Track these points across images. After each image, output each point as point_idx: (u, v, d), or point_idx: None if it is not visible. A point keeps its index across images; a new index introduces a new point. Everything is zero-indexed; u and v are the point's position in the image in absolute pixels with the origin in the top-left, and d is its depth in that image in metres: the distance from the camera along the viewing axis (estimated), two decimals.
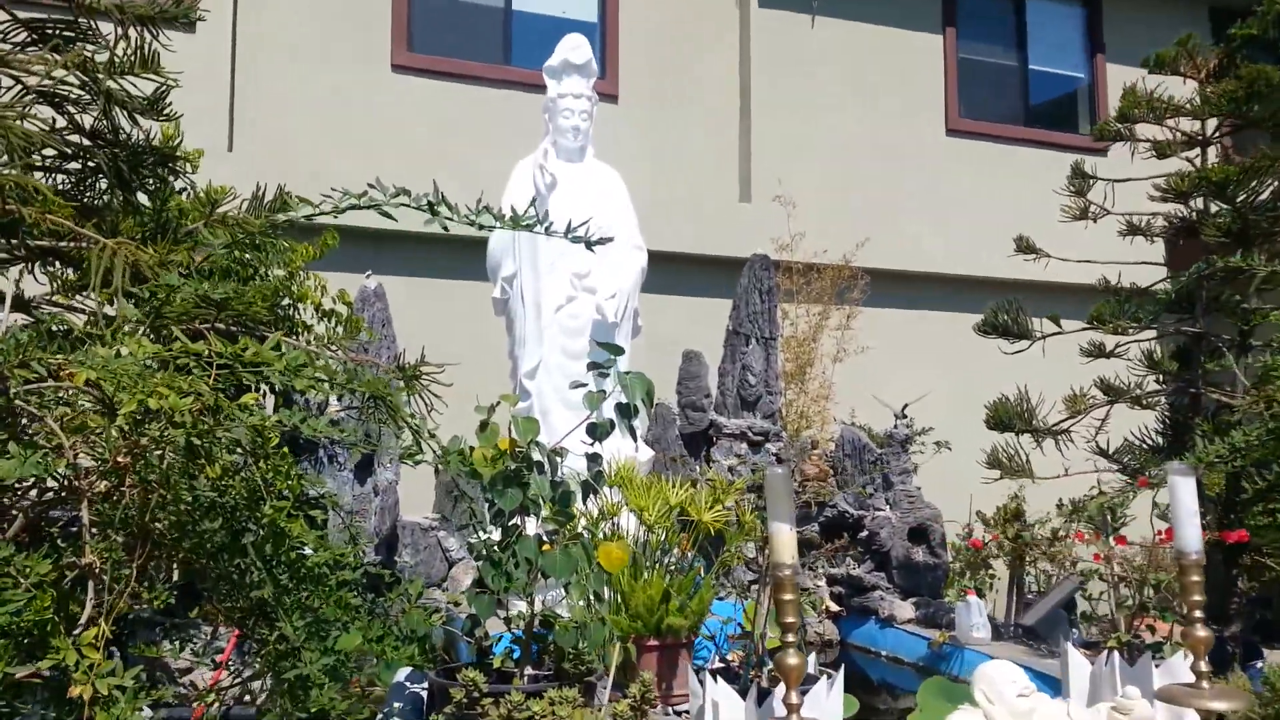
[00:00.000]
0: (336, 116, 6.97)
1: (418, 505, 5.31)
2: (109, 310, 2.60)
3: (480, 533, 2.78)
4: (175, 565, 2.70)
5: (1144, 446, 4.81)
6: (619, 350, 2.88)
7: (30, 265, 3.00)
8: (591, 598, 2.62)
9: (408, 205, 2.18)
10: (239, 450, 2.26)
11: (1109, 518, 4.32)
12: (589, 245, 2.47)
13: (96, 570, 1.93)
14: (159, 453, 2.07)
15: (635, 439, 2.92)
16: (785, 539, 1.90)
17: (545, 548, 2.55)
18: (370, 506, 5.03)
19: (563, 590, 2.66)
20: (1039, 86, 9.00)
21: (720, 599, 4.71)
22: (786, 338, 6.75)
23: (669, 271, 7.00)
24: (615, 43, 7.73)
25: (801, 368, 6.69)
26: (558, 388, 5.26)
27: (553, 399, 5.24)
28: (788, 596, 1.91)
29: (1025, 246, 4.75)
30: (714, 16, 8.03)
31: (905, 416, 5.92)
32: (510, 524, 2.72)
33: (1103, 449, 4.58)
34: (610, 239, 5.52)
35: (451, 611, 5.36)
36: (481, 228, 2.18)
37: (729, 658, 4.93)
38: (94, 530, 1.99)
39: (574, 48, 5.49)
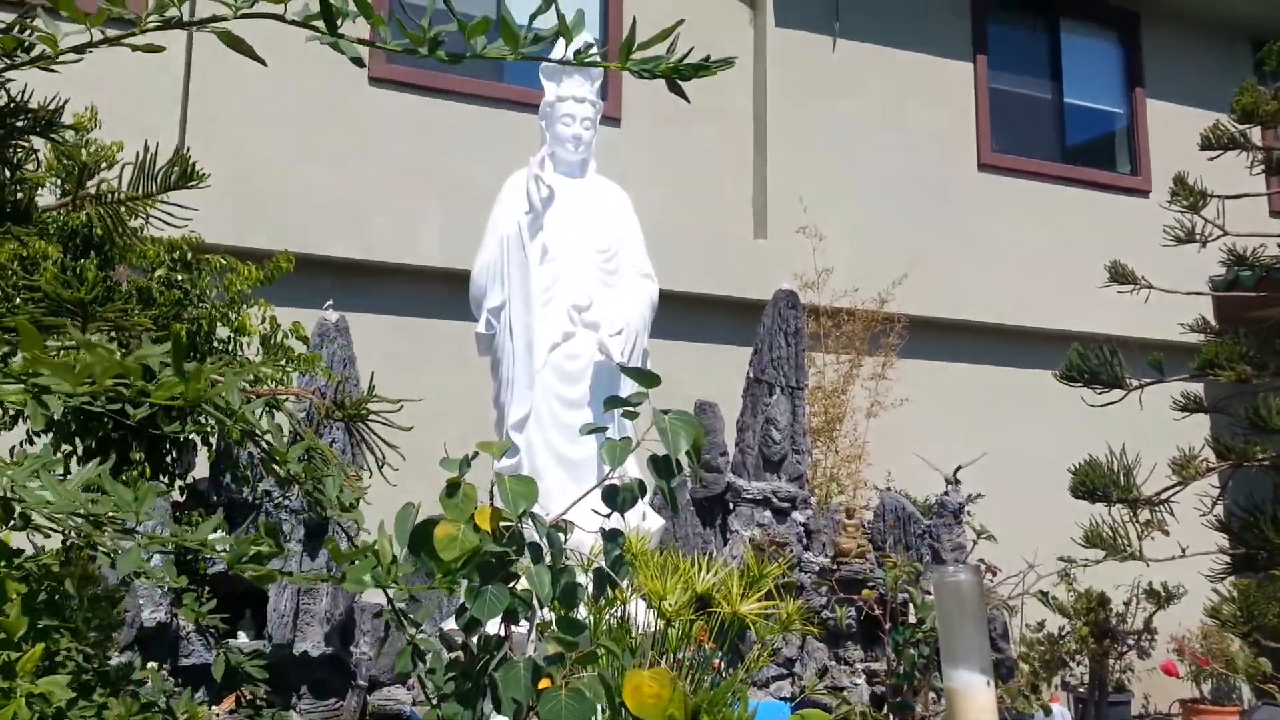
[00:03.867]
0: (307, 128, 6.17)
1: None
2: None
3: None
4: None
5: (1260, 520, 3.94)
6: (654, 380, 2.00)
7: None
8: None
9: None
10: None
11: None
12: None
13: None
14: None
15: (675, 507, 2.04)
16: (981, 702, 1.04)
17: (544, 683, 1.66)
18: (320, 586, 4.11)
19: None
20: (1075, 121, 8.30)
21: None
22: (813, 389, 5.90)
23: (677, 313, 6.17)
24: None
25: (830, 423, 5.82)
26: (551, 443, 4.38)
27: (545, 457, 4.36)
28: None
29: (1120, 274, 3.94)
30: (727, 35, 7.31)
31: (958, 481, 5.04)
32: (488, 638, 1.83)
33: (1223, 522, 3.72)
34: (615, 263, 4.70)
35: (415, 716, 4.40)
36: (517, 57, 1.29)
37: None
38: None
39: (576, 43, 4.71)
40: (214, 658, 1.76)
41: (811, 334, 5.82)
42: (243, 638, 3.77)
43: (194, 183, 2.10)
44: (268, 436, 1.30)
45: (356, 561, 1.39)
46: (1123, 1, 8.37)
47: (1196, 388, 4.41)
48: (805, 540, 5.12)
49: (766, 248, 6.90)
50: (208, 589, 3.85)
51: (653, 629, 3.39)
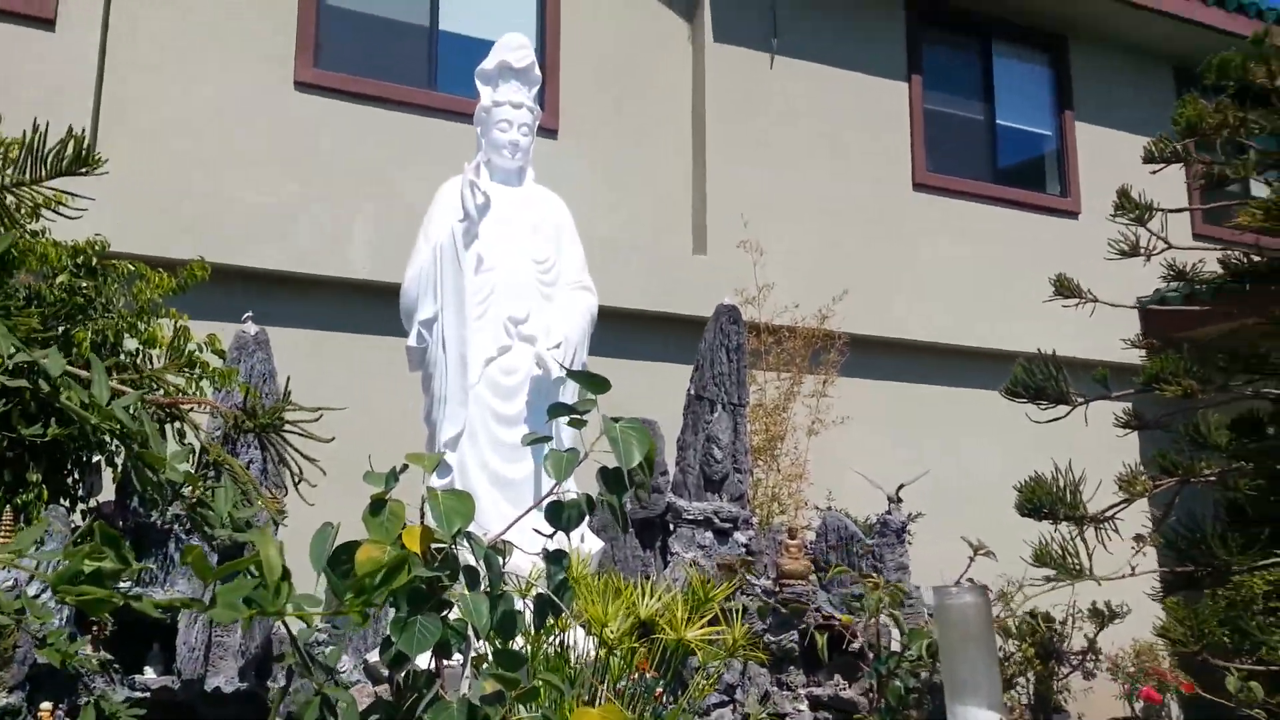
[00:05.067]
0: (230, 134, 5.90)
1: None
2: None
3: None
4: None
5: (1203, 537, 3.91)
6: (604, 385, 1.85)
7: None
8: None
9: None
10: None
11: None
12: None
13: None
14: None
15: (626, 526, 1.89)
16: None
17: None
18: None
19: None
20: (1007, 142, 8.40)
21: None
22: (754, 406, 5.79)
23: (616, 329, 6.02)
24: (556, 71, 6.84)
25: (771, 441, 5.72)
26: (486, 461, 4.19)
27: (480, 476, 4.16)
28: None
29: (1065, 288, 3.90)
30: (665, 48, 7.23)
31: (900, 500, 4.97)
32: (417, 674, 1.65)
33: (1170, 540, 3.67)
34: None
35: None
36: None
37: None
38: None
39: (514, 49, 4.56)
40: (83, 706, 1.55)
41: (752, 350, 5.72)
42: (149, 673, 3.49)
43: (88, 168, 1.88)
44: (140, 438, 1.10)
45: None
46: (1052, 25, 8.51)
47: (1137, 406, 4.40)
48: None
49: (707, 263, 6.80)
50: (111, 620, 3.57)
51: (593, 657, 3.22)
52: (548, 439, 1.94)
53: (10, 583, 2.93)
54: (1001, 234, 7.96)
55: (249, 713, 3.45)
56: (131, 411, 1.09)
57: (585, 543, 4.27)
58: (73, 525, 3.53)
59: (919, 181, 7.85)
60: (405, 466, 1.72)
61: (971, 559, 4.44)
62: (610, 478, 1.83)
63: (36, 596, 3.06)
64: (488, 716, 1.54)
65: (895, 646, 4.31)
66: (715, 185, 7.00)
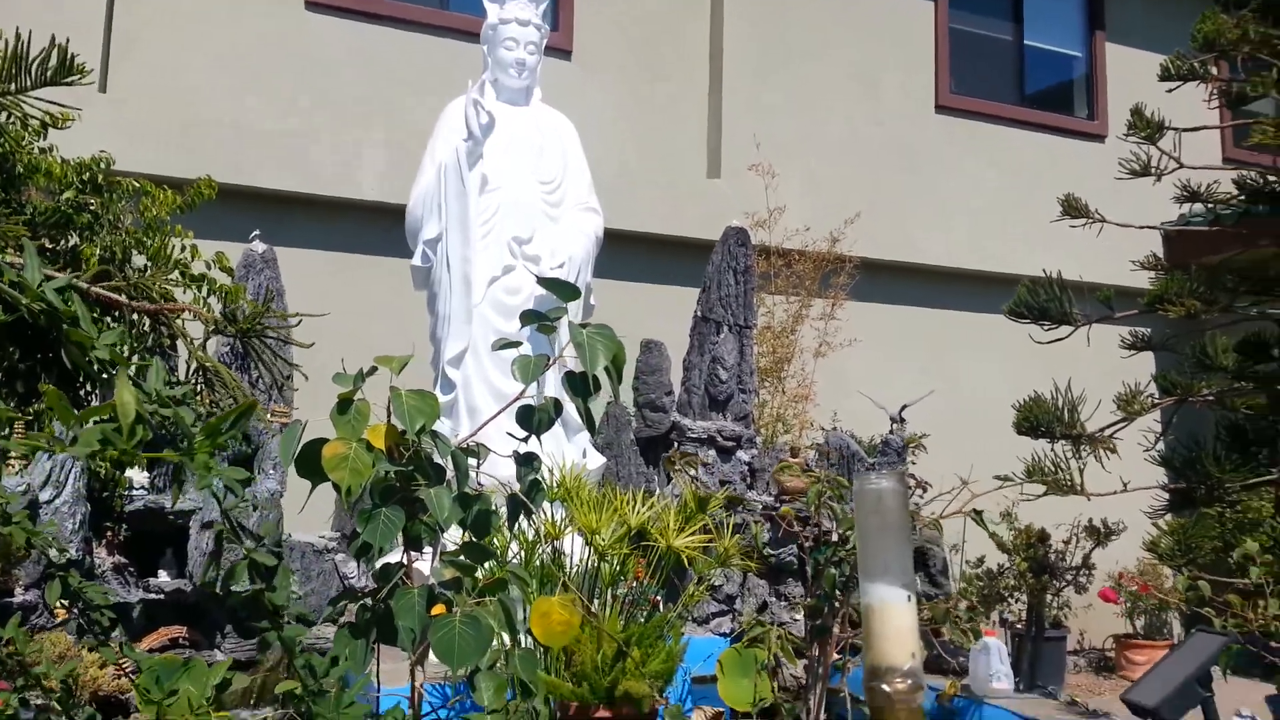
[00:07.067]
0: (241, 56, 5.91)
1: (310, 521, 4.24)
2: None
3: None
4: None
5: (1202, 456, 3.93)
6: (573, 293, 1.89)
7: None
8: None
9: None
10: None
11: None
12: None
13: None
14: None
15: (593, 428, 1.95)
16: (902, 622, 0.94)
17: (438, 609, 1.55)
18: (252, 549, 3.96)
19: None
20: (1035, 64, 8.20)
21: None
22: (762, 329, 5.81)
23: (626, 252, 6.04)
24: None
25: (779, 363, 5.75)
26: (490, 379, 4.26)
27: (483, 392, 4.24)
28: None
29: (1072, 208, 3.87)
30: None
31: (903, 420, 5.00)
32: (386, 566, 1.73)
33: (1167, 458, 3.69)
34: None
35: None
36: None
37: (691, 717, 3.97)
38: None
39: None
40: (48, 581, 1.64)
41: (761, 273, 5.72)
42: (164, 576, 3.64)
43: (74, 77, 1.92)
44: (69, 318, 1.16)
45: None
46: None
47: (1145, 328, 4.37)
48: (749, 479, 5.07)
49: (721, 187, 6.76)
50: (124, 526, 3.72)
51: (588, 568, 3.31)
52: (514, 343, 1.98)
53: (24, 487, 3.05)
54: (1026, 158, 7.81)
55: (257, 613, 3.59)
56: (65, 297, 1.14)
57: (587, 458, 4.36)
58: None
59: (942, 104, 7.71)
60: (374, 368, 1.77)
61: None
62: (576, 381, 1.88)
63: (50, 501, 3.19)
64: (447, 604, 1.62)
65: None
66: (731, 108, 6.92)
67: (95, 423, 1.16)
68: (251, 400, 1.36)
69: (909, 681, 1.00)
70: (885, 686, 1.01)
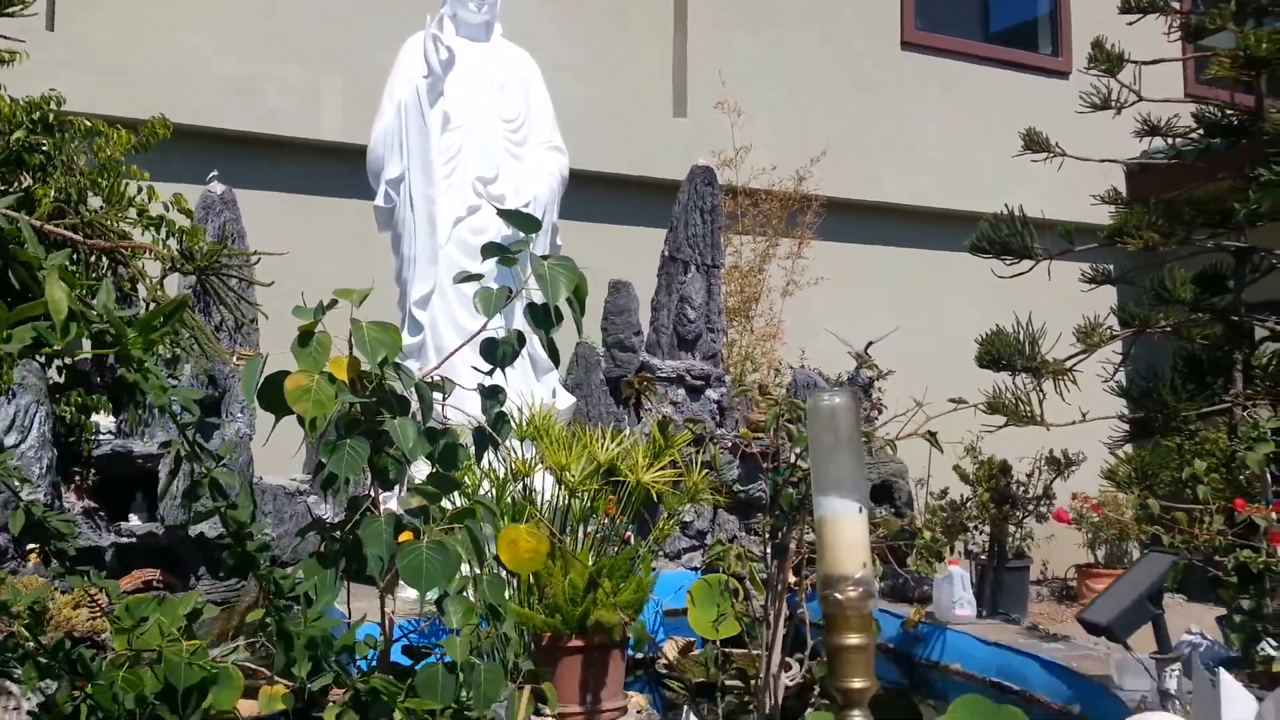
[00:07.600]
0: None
1: (281, 463, 4.25)
2: None
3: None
4: None
5: (1161, 387, 4.01)
6: (535, 224, 1.88)
7: None
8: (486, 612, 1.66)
9: None
10: None
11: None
12: None
13: None
14: None
15: (557, 361, 1.95)
16: (854, 534, 0.98)
17: (405, 535, 1.57)
18: (212, 468, 3.96)
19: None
20: (999, 0, 8.17)
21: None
22: (729, 269, 5.82)
23: (592, 193, 6.00)
24: None
25: (746, 303, 5.77)
26: (457, 319, 4.25)
27: (450, 333, 4.23)
28: (854, 640, 0.99)
29: (1034, 142, 3.89)
30: None
31: (868, 357, 5.06)
32: (354, 498, 1.74)
33: (1125, 388, 3.77)
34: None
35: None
36: None
37: (664, 647, 4.06)
38: None
39: None
40: (11, 512, 1.65)
41: (728, 213, 5.71)
42: (135, 520, 3.64)
43: (15, 7, 1.87)
44: (14, 238, 1.14)
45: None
46: None
47: (1107, 264, 4.44)
48: (719, 417, 5.12)
49: (687, 126, 6.71)
50: (93, 471, 3.70)
51: (559, 504, 3.35)
52: (476, 276, 1.98)
53: None
54: (991, 95, 7.81)
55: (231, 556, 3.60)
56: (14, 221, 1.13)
57: (556, 398, 4.38)
58: (50, 381, 3.62)
59: (907, 40, 7.67)
60: (334, 301, 1.77)
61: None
62: (537, 313, 1.89)
63: (15, 446, 3.17)
64: (415, 531, 1.64)
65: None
66: (696, 45, 6.84)
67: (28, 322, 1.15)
68: (185, 295, 1.36)
69: (860, 589, 1.04)
70: (838, 594, 1.05)
